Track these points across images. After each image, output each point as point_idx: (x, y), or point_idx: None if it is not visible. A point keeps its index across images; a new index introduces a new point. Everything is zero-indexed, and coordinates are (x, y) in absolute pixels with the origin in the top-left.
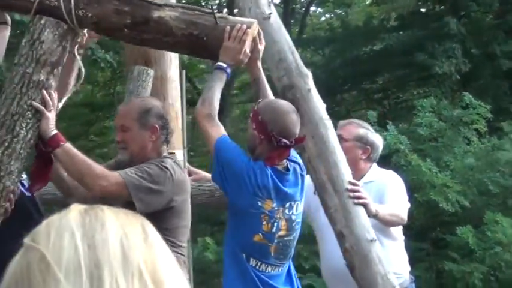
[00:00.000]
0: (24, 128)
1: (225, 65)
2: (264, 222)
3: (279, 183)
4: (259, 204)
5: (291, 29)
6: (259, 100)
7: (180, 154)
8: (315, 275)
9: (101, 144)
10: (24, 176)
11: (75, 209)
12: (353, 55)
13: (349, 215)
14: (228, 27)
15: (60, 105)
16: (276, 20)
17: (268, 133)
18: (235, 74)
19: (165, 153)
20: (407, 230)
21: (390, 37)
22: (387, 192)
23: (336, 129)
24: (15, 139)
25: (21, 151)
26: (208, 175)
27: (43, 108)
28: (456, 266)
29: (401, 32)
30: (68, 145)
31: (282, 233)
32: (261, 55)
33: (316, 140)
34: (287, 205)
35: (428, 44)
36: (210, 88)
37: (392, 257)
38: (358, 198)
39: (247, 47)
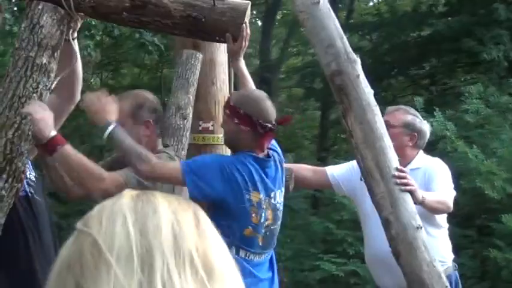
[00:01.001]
0: None
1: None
2: (253, 215)
3: (262, 173)
4: (247, 197)
5: (339, 13)
6: (229, 95)
7: None
8: (359, 260)
9: None
10: None
11: (128, 194)
12: (401, 40)
13: (396, 201)
14: (243, 26)
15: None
16: (325, 5)
17: (254, 123)
18: (282, 59)
19: (160, 147)
20: (453, 217)
21: (438, 23)
22: (434, 180)
23: (383, 116)
24: (24, 121)
25: (30, 132)
26: None
27: (31, 111)
28: (501, 254)
29: (449, 18)
30: (67, 148)
31: (268, 222)
32: (247, 43)
33: (363, 126)
34: (271, 194)
35: (477, 30)
36: (127, 147)
37: (436, 244)
38: (405, 185)
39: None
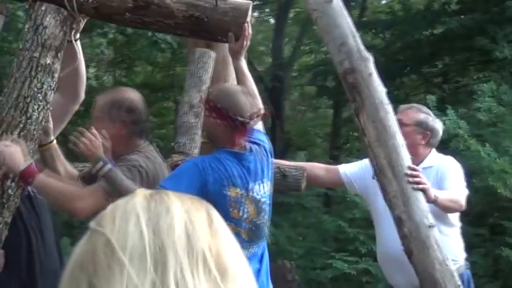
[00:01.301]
0: (36, 110)
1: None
2: (234, 211)
3: (240, 167)
4: (225, 193)
5: (351, 11)
6: (210, 89)
7: None
8: (371, 259)
9: (160, 125)
10: None
11: (141, 194)
12: (413, 39)
13: (408, 200)
14: (245, 25)
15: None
16: (338, 3)
17: (228, 116)
18: (295, 57)
19: (140, 147)
20: (465, 215)
21: (451, 21)
22: (446, 178)
23: (396, 114)
24: (29, 121)
25: (35, 132)
26: None
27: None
28: None
29: (462, 16)
30: (39, 178)
31: (251, 216)
32: (248, 43)
33: (376, 125)
34: (251, 187)
35: (489, 28)
36: (120, 186)
37: (449, 243)
38: (418, 183)
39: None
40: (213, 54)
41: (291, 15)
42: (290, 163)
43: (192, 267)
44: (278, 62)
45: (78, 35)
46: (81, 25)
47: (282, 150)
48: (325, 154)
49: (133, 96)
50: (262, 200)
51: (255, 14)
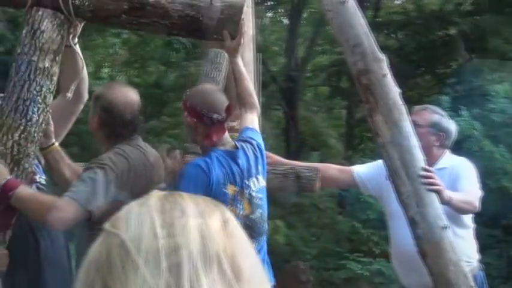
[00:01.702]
0: (36, 113)
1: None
2: (228, 207)
3: (234, 164)
4: (224, 191)
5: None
6: (189, 90)
7: None
8: (385, 260)
9: (173, 125)
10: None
11: (155, 196)
12: (427, 39)
13: (422, 201)
14: (241, 23)
15: (69, 95)
16: (352, 4)
17: (200, 114)
18: (309, 57)
19: (112, 150)
20: (479, 216)
21: (465, 22)
22: (460, 180)
23: (409, 115)
24: (29, 123)
25: (35, 134)
26: (281, 159)
27: None
28: None
29: (476, 17)
30: (18, 192)
31: (246, 213)
32: (244, 41)
33: (390, 126)
34: (245, 184)
35: (503, 29)
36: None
37: (462, 244)
38: (432, 184)
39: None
40: (227, 54)
41: (305, 15)
42: (304, 164)
43: (207, 268)
44: (292, 63)
45: (76, 40)
46: (79, 29)
47: (296, 151)
48: (338, 155)
49: (117, 96)
50: (257, 195)
51: (269, 14)
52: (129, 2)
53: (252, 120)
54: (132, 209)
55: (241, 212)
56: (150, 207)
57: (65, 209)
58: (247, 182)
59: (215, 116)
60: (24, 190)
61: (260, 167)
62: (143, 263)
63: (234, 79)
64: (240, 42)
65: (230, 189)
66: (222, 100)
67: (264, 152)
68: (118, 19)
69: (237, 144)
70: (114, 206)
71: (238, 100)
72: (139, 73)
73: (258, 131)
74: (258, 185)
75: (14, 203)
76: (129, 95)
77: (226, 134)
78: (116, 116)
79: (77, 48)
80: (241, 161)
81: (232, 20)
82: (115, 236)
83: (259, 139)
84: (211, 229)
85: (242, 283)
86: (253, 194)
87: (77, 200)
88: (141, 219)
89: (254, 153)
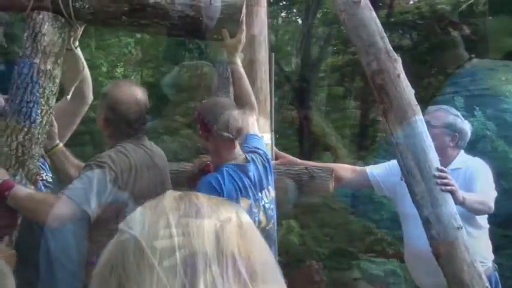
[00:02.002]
0: (39, 114)
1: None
2: None
3: (246, 178)
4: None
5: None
6: (203, 101)
7: (268, 137)
8: (398, 260)
9: (186, 124)
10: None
11: (170, 195)
12: (441, 39)
13: (436, 201)
14: (240, 22)
15: (68, 96)
16: (366, 4)
17: (211, 130)
18: (322, 58)
19: (113, 148)
20: (493, 216)
21: (478, 22)
22: (475, 180)
23: (424, 115)
24: (33, 125)
25: (39, 136)
26: (295, 159)
27: None
28: None
29: (489, 17)
30: (13, 193)
31: (263, 224)
32: (244, 40)
33: (404, 126)
34: (258, 196)
35: None
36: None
37: (477, 245)
38: (446, 185)
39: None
40: (241, 54)
41: (319, 15)
42: (318, 164)
43: (222, 269)
44: (305, 63)
45: (77, 43)
46: (79, 32)
47: (309, 151)
48: (352, 155)
49: (123, 95)
50: (270, 207)
51: (283, 14)
52: (129, 3)
53: (253, 123)
54: (147, 209)
55: (260, 225)
56: (165, 207)
57: (61, 206)
58: (260, 195)
59: (226, 134)
60: (20, 190)
61: (270, 177)
62: (158, 264)
63: (232, 79)
64: (240, 40)
65: (244, 203)
66: (235, 118)
67: (271, 161)
68: (118, 21)
69: (248, 157)
70: (115, 206)
71: (237, 100)
72: (153, 73)
73: (259, 135)
74: (269, 196)
75: (10, 203)
76: (136, 94)
77: (238, 148)
78: (121, 114)
79: (78, 51)
80: (253, 173)
81: (232, 19)
82: (130, 236)
83: (263, 147)
84: (227, 229)
85: (257, 283)
86: (267, 205)
87: (73, 197)
88: (157, 219)
89: (263, 164)
